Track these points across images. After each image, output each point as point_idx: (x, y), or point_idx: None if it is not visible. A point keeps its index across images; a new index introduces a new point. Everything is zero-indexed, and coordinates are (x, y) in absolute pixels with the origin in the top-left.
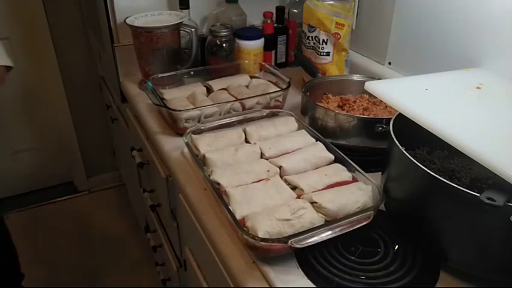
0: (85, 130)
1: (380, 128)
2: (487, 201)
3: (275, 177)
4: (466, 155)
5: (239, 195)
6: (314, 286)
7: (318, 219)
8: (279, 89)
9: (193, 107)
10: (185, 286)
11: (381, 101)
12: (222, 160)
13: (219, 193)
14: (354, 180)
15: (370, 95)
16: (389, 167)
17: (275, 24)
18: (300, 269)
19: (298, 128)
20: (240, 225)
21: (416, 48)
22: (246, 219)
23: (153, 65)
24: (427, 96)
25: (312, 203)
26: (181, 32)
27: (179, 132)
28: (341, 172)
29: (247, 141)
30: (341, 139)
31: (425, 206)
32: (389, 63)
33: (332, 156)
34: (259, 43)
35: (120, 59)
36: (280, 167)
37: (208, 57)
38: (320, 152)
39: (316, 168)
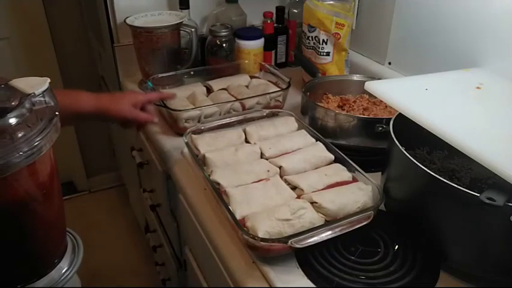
0: (85, 130)
1: (380, 128)
2: (487, 201)
3: (275, 177)
4: (466, 155)
5: (239, 195)
6: (314, 286)
7: (318, 219)
8: (279, 89)
9: (193, 107)
10: (185, 286)
11: (381, 101)
12: (222, 160)
13: (219, 193)
14: (354, 180)
15: (370, 95)
16: (389, 167)
17: (275, 24)
18: (300, 269)
19: (298, 128)
20: (240, 225)
21: (416, 48)
22: (246, 219)
23: (153, 65)
24: (427, 96)
25: (312, 203)
26: (181, 32)
27: (179, 132)
28: (341, 172)
29: (247, 141)
30: (341, 139)
31: (425, 206)
32: (389, 63)
33: (332, 156)
34: (259, 43)
35: (120, 59)
36: (280, 167)
37: (208, 57)
38: (320, 152)
39: (316, 168)
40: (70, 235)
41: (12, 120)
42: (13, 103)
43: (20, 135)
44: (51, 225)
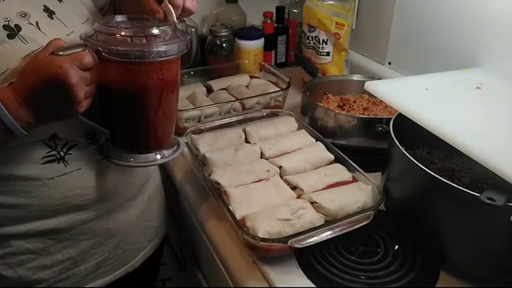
0: None
1: (380, 128)
2: (487, 201)
3: (275, 177)
4: (466, 155)
5: (239, 195)
6: (314, 286)
7: (318, 219)
8: (279, 89)
9: (193, 107)
10: (185, 286)
11: (381, 101)
12: (222, 160)
13: (219, 193)
14: (354, 180)
15: (370, 95)
16: (389, 167)
17: (275, 24)
18: (300, 269)
19: (298, 128)
20: (240, 225)
21: (416, 48)
22: (246, 219)
23: None
24: (427, 96)
25: (312, 203)
26: None
27: (179, 132)
28: (341, 172)
29: (247, 141)
30: (341, 139)
31: (425, 206)
32: (389, 63)
33: (332, 156)
34: (259, 43)
35: None
36: (280, 167)
37: (208, 57)
38: (320, 152)
39: (316, 168)
40: (176, 139)
41: (155, 31)
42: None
43: (158, 39)
44: (167, 119)
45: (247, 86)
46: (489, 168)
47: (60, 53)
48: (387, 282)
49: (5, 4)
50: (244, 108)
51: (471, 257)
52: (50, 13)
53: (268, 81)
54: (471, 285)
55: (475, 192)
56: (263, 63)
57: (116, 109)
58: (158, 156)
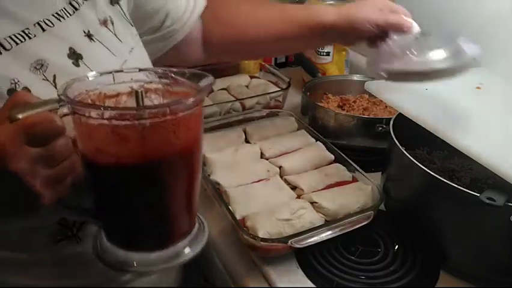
0: None
1: (380, 128)
2: (487, 201)
3: (275, 177)
4: (466, 155)
5: (239, 195)
6: (314, 286)
7: (318, 219)
8: (279, 89)
9: None
10: (185, 286)
11: (381, 101)
12: (222, 160)
13: (219, 193)
14: (354, 180)
15: (370, 95)
16: (389, 167)
17: None
18: (300, 269)
19: (298, 128)
20: (240, 225)
21: None
22: (246, 219)
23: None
24: (427, 96)
25: (312, 203)
26: None
27: None
28: (341, 172)
29: (247, 141)
30: (341, 139)
31: (425, 206)
32: None
33: (332, 156)
34: None
35: None
36: (280, 167)
37: None
38: (320, 152)
39: (316, 168)
40: (199, 218)
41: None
42: None
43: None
44: (188, 197)
45: (247, 86)
46: (489, 168)
47: (19, 116)
48: (387, 282)
49: (19, 53)
50: (244, 108)
51: (471, 257)
52: (76, 58)
53: (268, 81)
54: (471, 285)
55: (475, 192)
56: (263, 63)
57: (110, 192)
58: (177, 253)
